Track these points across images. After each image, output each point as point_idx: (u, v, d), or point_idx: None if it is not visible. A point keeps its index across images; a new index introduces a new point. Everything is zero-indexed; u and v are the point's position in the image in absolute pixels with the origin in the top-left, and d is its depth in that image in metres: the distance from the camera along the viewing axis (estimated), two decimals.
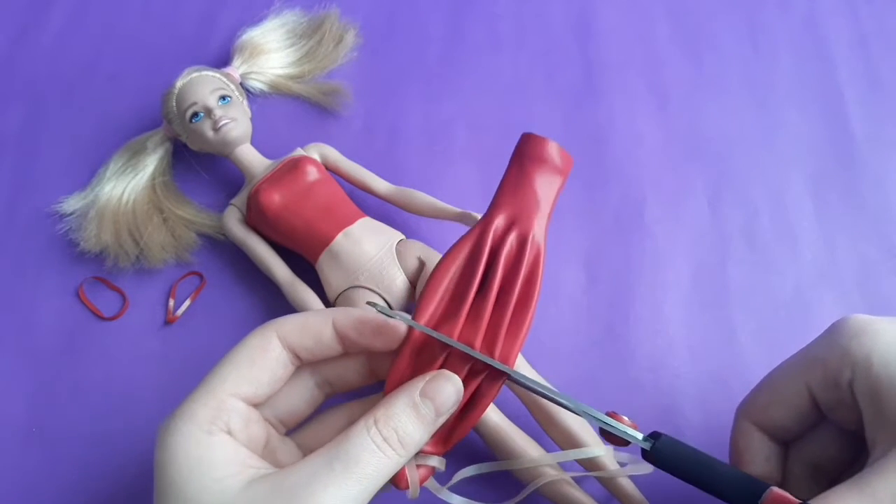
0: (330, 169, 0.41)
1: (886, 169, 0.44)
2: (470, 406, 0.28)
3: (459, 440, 0.28)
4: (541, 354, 0.38)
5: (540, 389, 0.28)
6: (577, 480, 0.34)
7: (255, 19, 0.47)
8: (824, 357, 0.28)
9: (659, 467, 0.28)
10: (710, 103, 0.47)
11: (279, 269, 0.39)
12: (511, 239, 0.29)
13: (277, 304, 0.39)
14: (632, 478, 0.33)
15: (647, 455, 0.28)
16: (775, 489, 0.26)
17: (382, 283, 0.37)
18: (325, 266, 0.38)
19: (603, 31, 0.49)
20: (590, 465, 0.34)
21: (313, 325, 0.28)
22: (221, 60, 0.46)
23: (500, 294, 0.29)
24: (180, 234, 0.41)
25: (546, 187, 0.30)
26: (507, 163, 0.30)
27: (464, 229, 0.38)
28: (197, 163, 0.44)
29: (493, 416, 0.35)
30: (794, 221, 0.43)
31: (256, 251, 0.39)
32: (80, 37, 0.50)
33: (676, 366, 0.39)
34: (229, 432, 0.26)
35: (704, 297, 0.41)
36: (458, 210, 0.39)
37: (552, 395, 0.28)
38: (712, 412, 0.37)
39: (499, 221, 0.29)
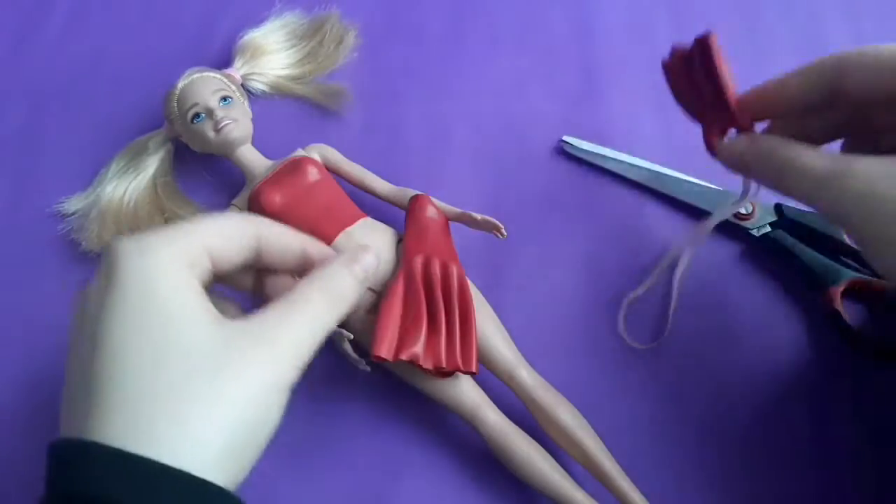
0: (330, 169, 0.41)
1: None
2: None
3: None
4: (542, 354, 0.38)
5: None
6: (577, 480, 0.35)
7: (257, 20, 0.47)
8: None
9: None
10: None
11: None
12: (435, 269, 0.35)
13: None
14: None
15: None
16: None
17: (383, 282, 0.37)
18: None
19: (603, 31, 0.49)
20: (589, 465, 0.34)
21: (286, 238, 0.30)
22: (223, 61, 0.46)
23: (446, 309, 0.35)
24: None
25: (439, 227, 0.38)
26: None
27: (463, 228, 0.39)
28: (198, 163, 0.44)
29: (492, 415, 0.35)
30: None
31: None
32: (82, 37, 0.50)
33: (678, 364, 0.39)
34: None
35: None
36: (458, 210, 0.39)
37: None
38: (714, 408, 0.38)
39: (418, 261, 0.36)
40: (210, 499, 0.23)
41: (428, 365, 0.33)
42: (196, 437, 0.23)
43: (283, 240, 0.30)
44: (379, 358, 0.32)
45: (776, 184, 0.31)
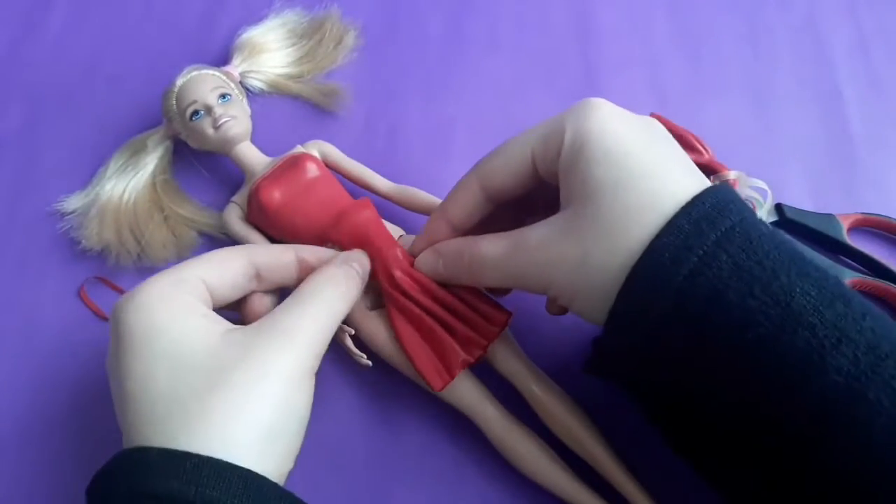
0: (330, 166, 0.41)
1: (886, 169, 0.44)
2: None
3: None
4: (542, 353, 0.37)
5: None
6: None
7: (256, 18, 0.48)
8: (551, 129, 0.29)
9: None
10: (709, 103, 0.47)
11: None
12: (401, 274, 0.34)
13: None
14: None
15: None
16: None
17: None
18: None
19: (603, 31, 0.49)
20: (591, 459, 0.34)
21: (278, 252, 0.32)
22: (222, 59, 0.46)
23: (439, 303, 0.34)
24: (181, 232, 0.41)
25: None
26: None
27: None
28: (197, 161, 0.44)
29: (493, 410, 0.35)
30: None
31: None
32: (81, 36, 0.50)
33: None
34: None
35: None
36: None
37: None
38: None
39: (394, 280, 0.34)
40: (235, 482, 0.24)
41: (478, 355, 0.34)
42: (226, 433, 0.25)
43: (276, 256, 0.32)
44: (442, 387, 0.33)
45: (476, 282, 0.32)
